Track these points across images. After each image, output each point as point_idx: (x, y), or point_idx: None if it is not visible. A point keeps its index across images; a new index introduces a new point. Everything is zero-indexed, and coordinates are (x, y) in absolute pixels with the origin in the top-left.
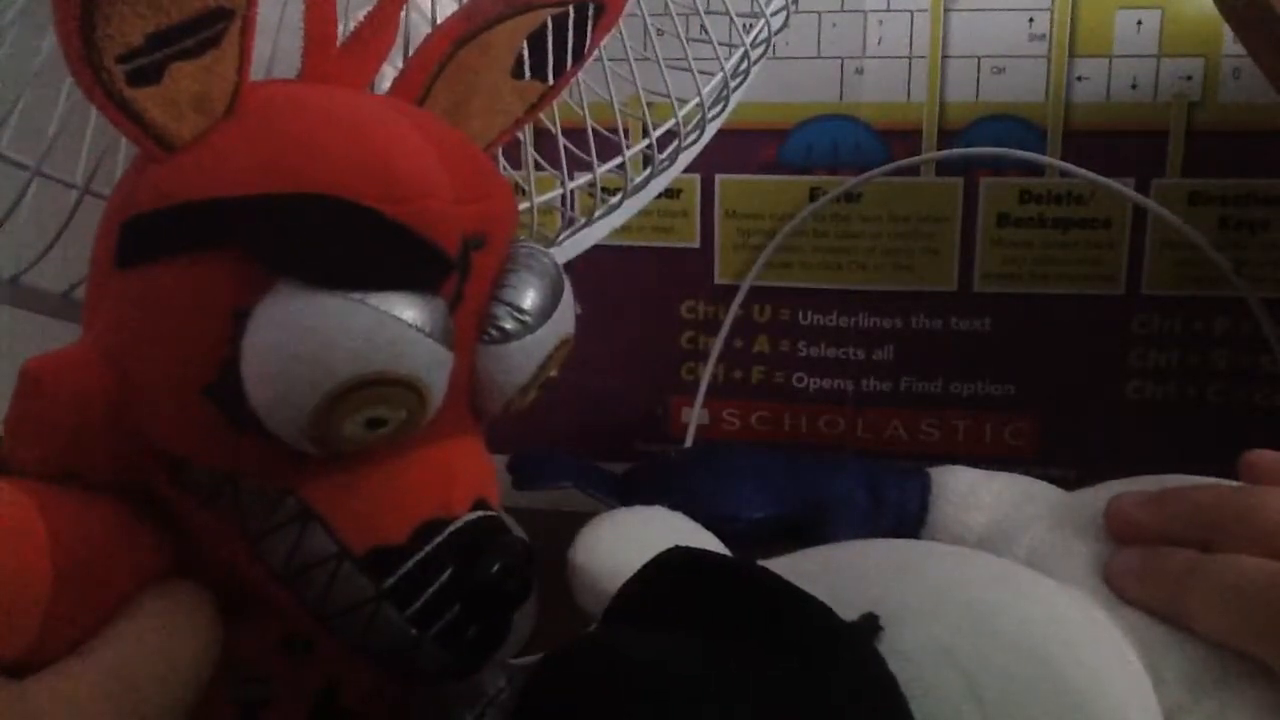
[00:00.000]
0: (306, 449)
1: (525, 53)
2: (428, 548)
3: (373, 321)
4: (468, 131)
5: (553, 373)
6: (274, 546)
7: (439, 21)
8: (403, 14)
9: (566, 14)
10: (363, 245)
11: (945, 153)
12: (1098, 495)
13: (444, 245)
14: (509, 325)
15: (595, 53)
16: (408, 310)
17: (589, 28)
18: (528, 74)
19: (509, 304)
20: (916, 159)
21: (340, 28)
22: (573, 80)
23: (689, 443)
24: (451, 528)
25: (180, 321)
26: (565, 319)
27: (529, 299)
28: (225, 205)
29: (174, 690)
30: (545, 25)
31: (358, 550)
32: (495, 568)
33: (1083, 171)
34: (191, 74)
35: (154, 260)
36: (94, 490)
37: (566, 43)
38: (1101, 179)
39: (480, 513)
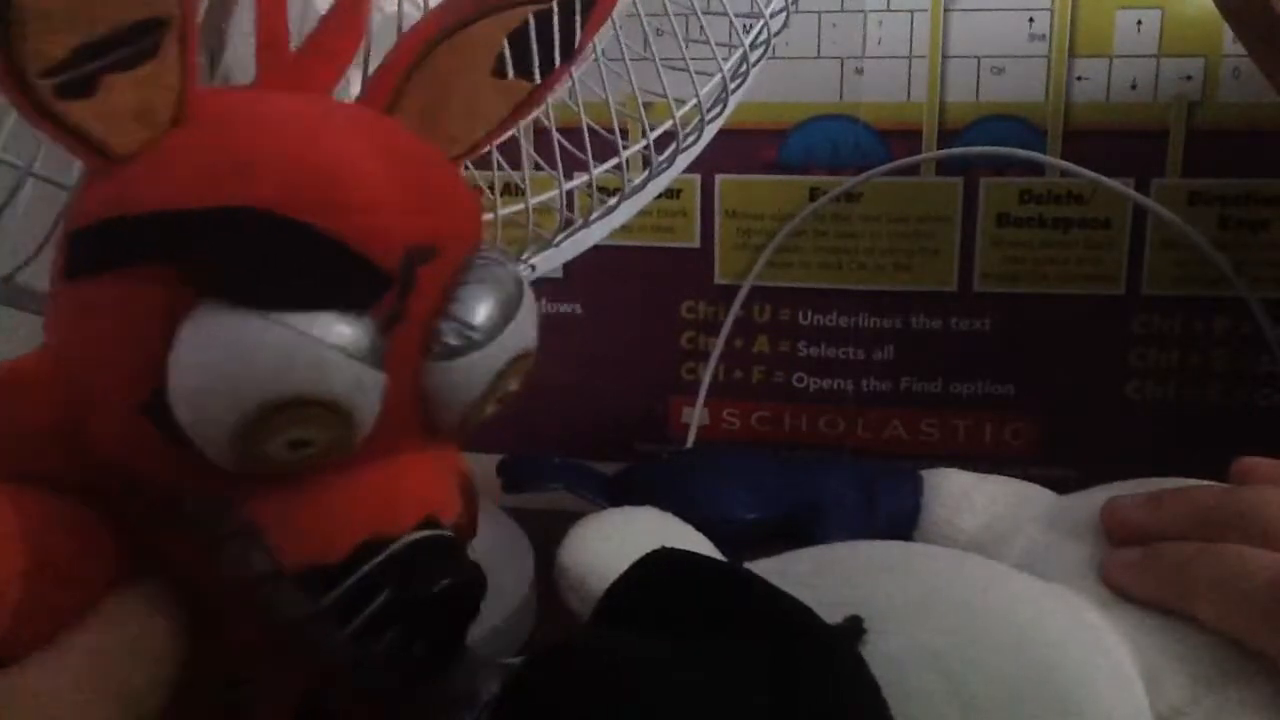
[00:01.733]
0: (236, 469)
1: (507, 51)
2: (365, 567)
3: (289, 342)
4: (446, 135)
5: (512, 387)
6: (222, 560)
7: (407, 22)
8: (368, 16)
9: (551, 10)
10: (285, 262)
11: (945, 152)
12: (1091, 498)
13: (380, 260)
14: (454, 341)
15: (593, 53)
16: (330, 329)
17: (578, 23)
18: (511, 73)
19: (456, 319)
20: (916, 158)
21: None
22: (569, 80)
23: (690, 443)
24: (391, 548)
25: (116, 337)
26: (522, 333)
27: (479, 314)
28: (157, 220)
29: (153, 671)
30: (527, 22)
31: (293, 568)
32: (436, 588)
33: (1083, 170)
34: (129, 85)
35: (93, 274)
36: (58, 493)
37: (553, 39)
38: (1102, 178)
39: (425, 532)
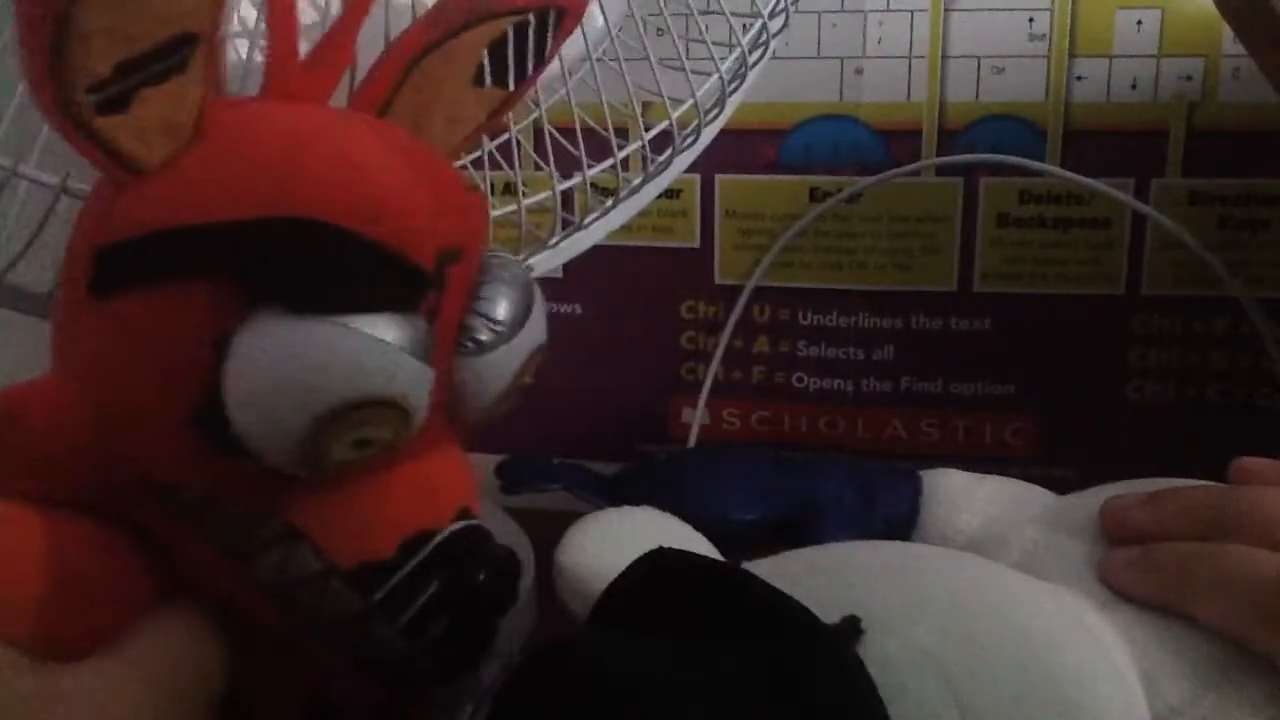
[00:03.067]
0: (295, 471)
1: (486, 60)
2: (414, 561)
3: (358, 345)
4: (429, 141)
5: (528, 380)
6: (263, 566)
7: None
8: (380, 22)
9: (527, 21)
10: (342, 268)
11: (946, 159)
12: (1090, 498)
13: (421, 262)
14: (484, 337)
15: (594, 53)
16: (391, 331)
17: (550, 33)
18: (489, 81)
19: (484, 315)
20: (918, 164)
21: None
22: (568, 81)
23: (692, 444)
24: (437, 540)
25: (160, 351)
26: (538, 327)
27: (503, 309)
28: (200, 232)
29: (198, 683)
30: (506, 33)
31: (345, 566)
32: (480, 577)
33: (1079, 178)
34: (159, 99)
35: (130, 289)
36: (81, 515)
37: (527, 49)
38: (1099, 184)
39: (464, 523)
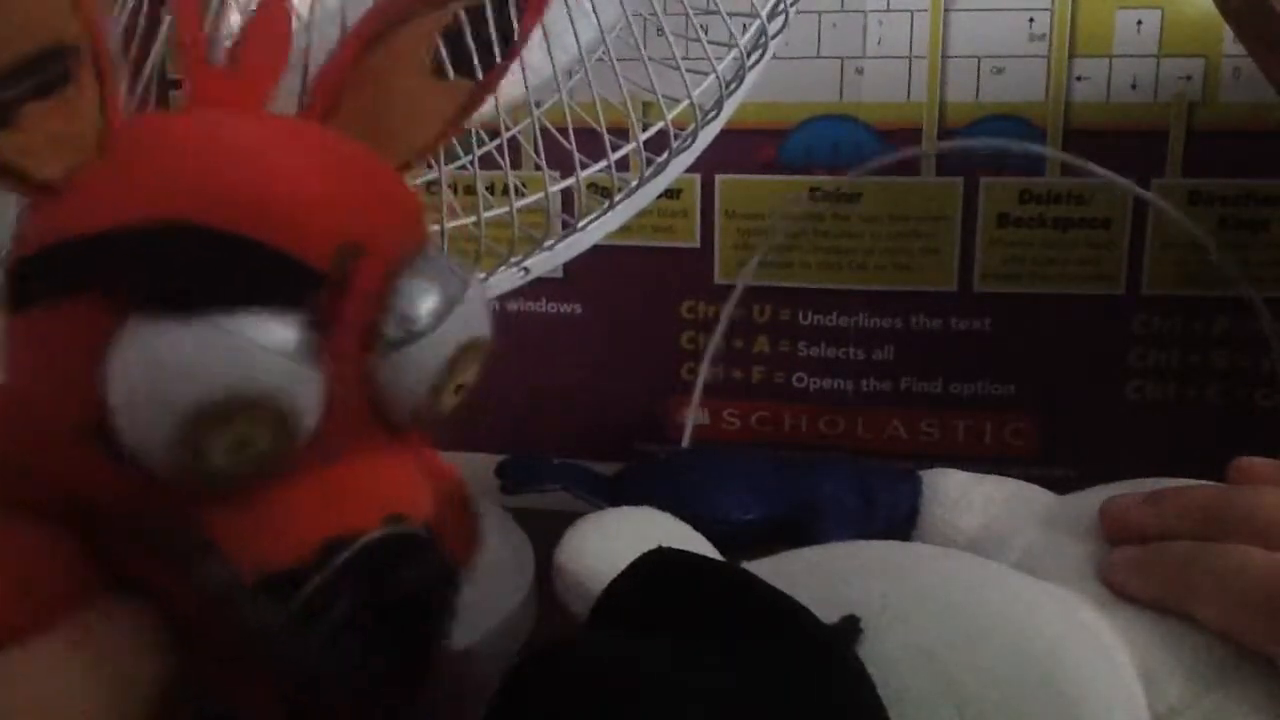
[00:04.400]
0: (183, 483)
1: (443, 50)
2: (326, 570)
3: (212, 341)
4: (390, 141)
5: (467, 378)
6: (183, 574)
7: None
8: (295, 24)
9: (483, 5)
10: (206, 267)
11: (945, 144)
12: (1089, 498)
13: (306, 257)
14: (394, 333)
15: (595, 53)
16: (253, 326)
17: (512, 15)
18: (450, 73)
19: (395, 311)
20: (916, 151)
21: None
22: (569, 81)
23: (685, 443)
24: (355, 547)
25: (57, 365)
26: (470, 320)
27: (418, 305)
28: (84, 244)
29: (150, 659)
30: (460, 19)
31: (254, 576)
32: (405, 586)
33: (1084, 163)
34: (46, 115)
35: (33, 304)
36: (23, 513)
37: (489, 34)
38: (1104, 171)
39: (390, 529)
